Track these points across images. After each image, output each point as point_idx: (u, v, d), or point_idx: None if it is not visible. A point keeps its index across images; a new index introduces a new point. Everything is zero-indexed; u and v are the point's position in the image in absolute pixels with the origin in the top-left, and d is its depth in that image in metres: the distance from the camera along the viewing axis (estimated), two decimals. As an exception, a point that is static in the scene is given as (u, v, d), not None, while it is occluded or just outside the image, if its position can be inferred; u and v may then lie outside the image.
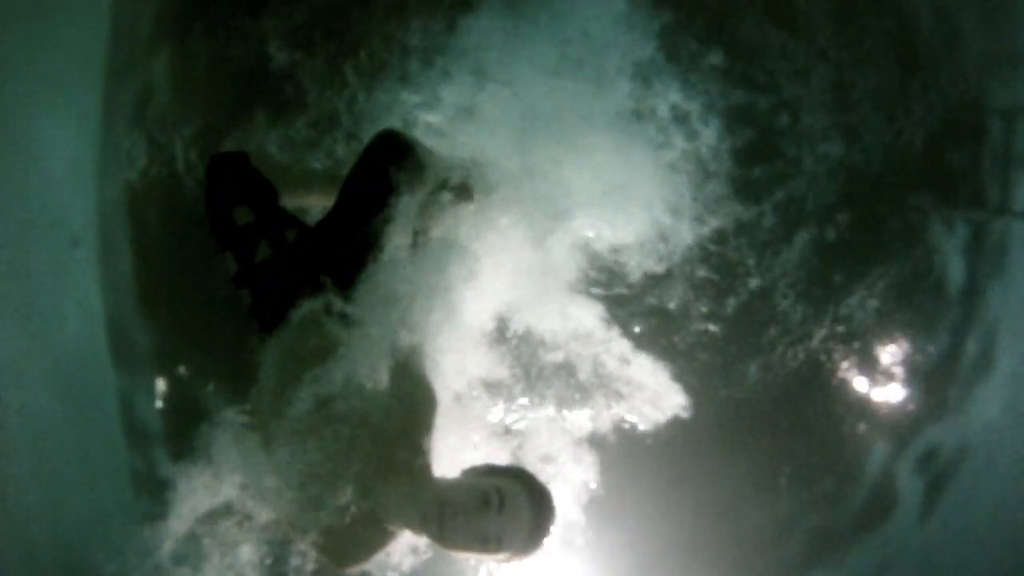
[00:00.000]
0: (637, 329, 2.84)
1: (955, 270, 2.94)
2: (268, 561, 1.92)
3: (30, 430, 2.28)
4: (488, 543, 1.66)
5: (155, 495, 2.16)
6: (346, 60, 2.76)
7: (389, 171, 2.03)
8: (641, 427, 2.71)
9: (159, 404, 2.78)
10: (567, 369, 2.67)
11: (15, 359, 2.27)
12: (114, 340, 2.69)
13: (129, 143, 2.70)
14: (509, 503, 1.67)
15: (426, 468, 1.82)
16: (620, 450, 2.71)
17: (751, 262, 2.86)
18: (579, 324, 2.58)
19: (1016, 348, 2.97)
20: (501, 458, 2.18)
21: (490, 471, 1.80)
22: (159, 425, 2.75)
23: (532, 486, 1.76)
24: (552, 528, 1.76)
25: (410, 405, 1.84)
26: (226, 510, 1.89)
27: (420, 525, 1.71)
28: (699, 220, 2.78)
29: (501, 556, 1.70)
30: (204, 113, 2.76)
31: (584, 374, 2.65)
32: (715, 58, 2.78)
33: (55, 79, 2.45)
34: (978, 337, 2.99)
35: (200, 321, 2.75)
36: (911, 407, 2.99)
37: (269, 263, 2.10)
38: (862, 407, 2.98)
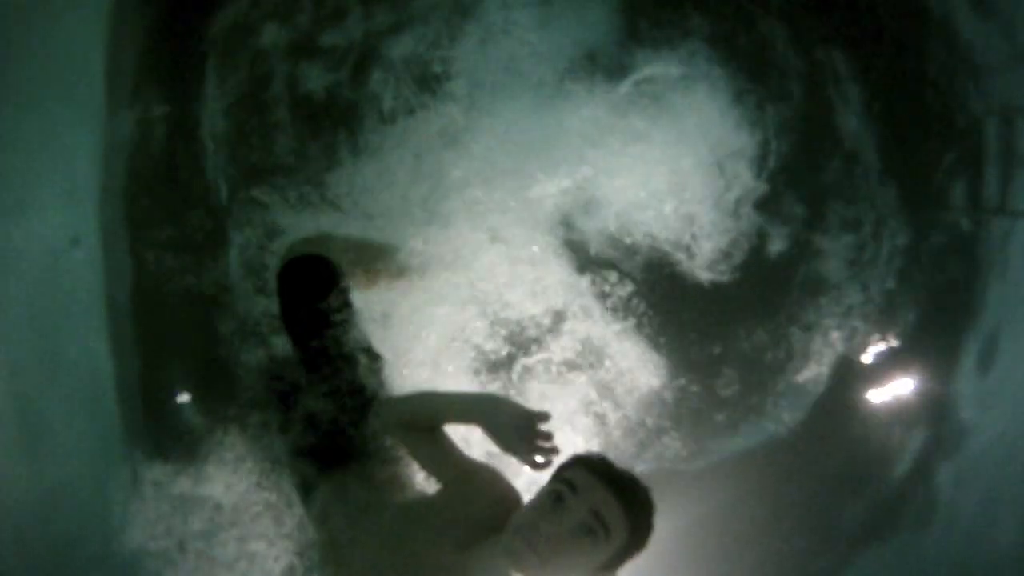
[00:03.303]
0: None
1: (954, 271, 2.93)
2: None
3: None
4: (594, 530, 1.51)
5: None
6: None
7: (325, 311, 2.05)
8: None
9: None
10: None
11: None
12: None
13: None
14: (579, 483, 1.55)
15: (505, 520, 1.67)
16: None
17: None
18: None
19: (1017, 349, 2.94)
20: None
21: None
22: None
23: (584, 459, 1.64)
24: (635, 479, 1.62)
25: (469, 493, 1.76)
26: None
27: (518, 567, 1.53)
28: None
29: (619, 537, 1.54)
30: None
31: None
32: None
33: (57, 77, 2.49)
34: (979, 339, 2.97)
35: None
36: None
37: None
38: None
